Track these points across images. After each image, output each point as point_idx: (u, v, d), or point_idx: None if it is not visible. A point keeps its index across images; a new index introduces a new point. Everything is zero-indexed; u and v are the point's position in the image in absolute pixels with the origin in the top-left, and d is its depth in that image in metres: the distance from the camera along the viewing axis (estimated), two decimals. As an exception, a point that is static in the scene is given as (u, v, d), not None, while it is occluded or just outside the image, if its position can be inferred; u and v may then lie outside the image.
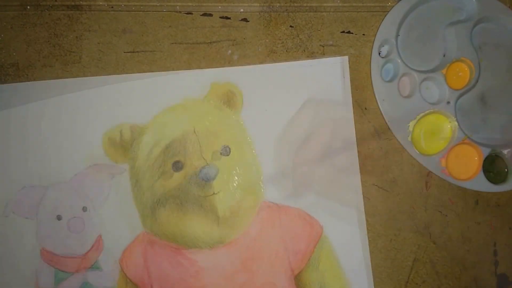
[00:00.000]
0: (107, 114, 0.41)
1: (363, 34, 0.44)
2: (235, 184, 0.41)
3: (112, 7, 0.43)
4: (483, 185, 0.41)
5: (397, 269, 0.42)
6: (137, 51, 0.43)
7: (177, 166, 0.40)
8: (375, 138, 0.43)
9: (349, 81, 0.42)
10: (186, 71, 0.42)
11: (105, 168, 0.41)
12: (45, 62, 0.42)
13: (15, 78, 0.42)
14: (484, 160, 0.42)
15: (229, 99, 0.42)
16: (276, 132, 0.41)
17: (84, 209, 0.40)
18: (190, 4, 0.43)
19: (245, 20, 0.43)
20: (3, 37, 0.42)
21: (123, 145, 0.41)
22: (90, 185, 0.41)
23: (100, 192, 0.41)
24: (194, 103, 0.42)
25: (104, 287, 0.40)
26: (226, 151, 0.41)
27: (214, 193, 0.40)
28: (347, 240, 0.41)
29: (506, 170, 0.42)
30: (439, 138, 0.42)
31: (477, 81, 0.42)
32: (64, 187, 0.41)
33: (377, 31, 0.42)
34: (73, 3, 0.43)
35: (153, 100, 0.41)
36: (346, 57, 0.43)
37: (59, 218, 0.40)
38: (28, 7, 0.42)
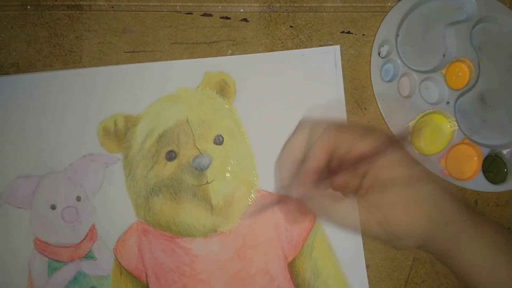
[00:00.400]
0: (102, 104, 0.41)
1: (363, 34, 0.43)
2: (228, 173, 0.41)
3: (112, 7, 0.42)
4: (483, 185, 0.41)
5: (396, 268, 0.42)
6: (137, 51, 0.42)
7: (171, 155, 0.40)
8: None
9: (341, 71, 0.42)
10: (179, 60, 0.42)
11: (99, 158, 0.41)
12: (46, 62, 0.42)
13: (15, 78, 0.42)
14: (484, 160, 0.41)
15: (222, 88, 0.42)
16: (269, 123, 0.41)
17: (78, 198, 0.40)
18: (190, 4, 0.43)
19: (245, 20, 0.43)
20: (3, 37, 0.42)
21: (117, 135, 0.41)
22: (84, 175, 0.40)
23: (94, 182, 0.40)
24: (188, 92, 0.41)
25: (98, 276, 0.40)
26: (219, 141, 0.41)
27: (207, 182, 0.40)
28: None
29: (505, 170, 0.42)
30: (439, 138, 0.42)
31: (476, 81, 0.41)
32: (58, 176, 0.40)
33: (377, 31, 0.41)
34: (73, 3, 0.42)
35: (147, 90, 0.41)
36: (338, 46, 0.42)
37: (53, 207, 0.40)
38: (29, 7, 0.42)
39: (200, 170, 0.40)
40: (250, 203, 0.41)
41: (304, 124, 0.33)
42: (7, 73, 0.42)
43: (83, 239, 0.40)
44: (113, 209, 0.40)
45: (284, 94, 0.42)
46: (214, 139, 0.41)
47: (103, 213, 0.40)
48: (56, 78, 0.41)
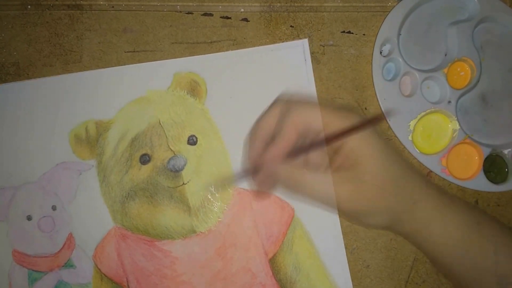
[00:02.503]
0: (72, 112, 0.39)
1: (364, 34, 0.41)
2: (204, 173, 0.39)
3: (112, 6, 0.40)
4: (484, 185, 0.39)
5: (397, 268, 0.40)
6: (138, 51, 0.40)
7: (145, 159, 0.39)
8: (375, 138, 0.40)
9: (311, 64, 0.40)
10: (148, 62, 0.40)
11: (73, 166, 0.39)
12: (46, 62, 0.40)
13: (15, 78, 0.40)
14: (485, 160, 0.39)
15: (193, 88, 0.40)
16: (243, 120, 0.39)
17: (54, 207, 0.38)
18: (191, 3, 0.41)
19: (245, 20, 0.41)
20: (4, 36, 0.40)
21: (89, 142, 0.39)
22: (58, 184, 0.39)
23: (68, 190, 0.39)
24: (158, 94, 0.40)
25: (79, 284, 0.38)
26: (193, 141, 0.39)
27: (183, 184, 0.39)
28: (319, 220, 0.39)
29: (506, 170, 0.40)
30: (440, 138, 0.40)
31: (478, 81, 0.39)
32: (33, 187, 0.38)
33: (379, 29, 0.39)
34: (73, 3, 0.40)
35: (117, 94, 0.39)
36: (306, 40, 0.40)
37: (29, 218, 0.38)
38: (29, 6, 0.40)
39: (175, 172, 0.38)
40: (227, 201, 0.39)
41: (279, 101, 0.32)
42: (8, 73, 0.40)
43: (61, 248, 0.38)
44: (90, 216, 0.38)
45: (255, 91, 0.40)
46: (188, 140, 0.39)
47: (80, 221, 0.38)
48: (23, 88, 0.39)
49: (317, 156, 0.32)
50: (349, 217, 0.33)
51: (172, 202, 0.38)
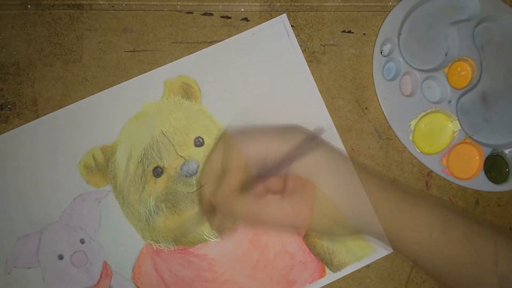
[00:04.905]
0: (75, 144, 0.39)
1: (364, 34, 0.40)
2: None
3: (112, 6, 0.40)
4: (484, 185, 0.39)
5: (397, 268, 0.39)
6: (138, 50, 0.40)
7: (157, 171, 0.39)
8: (375, 138, 0.40)
9: (295, 37, 0.40)
10: (135, 78, 0.39)
11: (90, 196, 0.38)
12: (46, 61, 0.39)
13: (15, 77, 0.39)
14: (485, 160, 0.39)
15: (186, 91, 0.39)
16: (243, 109, 0.39)
17: (82, 241, 0.38)
18: (191, 3, 0.40)
19: (245, 19, 0.40)
20: (3, 36, 0.39)
21: (99, 169, 0.39)
22: (80, 217, 0.38)
23: (92, 221, 0.38)
24: (154, 106, 0.39)
25: None
26: (199, 142, 0.39)
27: (201, 186, 0.38)
28: None
29: (507, 170, 0.39)
30: (441, 137, 0.39)
31: (478, 81, 0.39)
32: (56, 226, 0.38)
33: (379, 29, 0.39)
34: (73, 2, 0.40)
35: (115, 116, 0.39)
36: (284, 15, 0.40)
37: (61, 257, 0.38)
38: (29, 6, 0.40)
39: (190, 176, 0.38)
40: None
41: (222, 138, 0.32)
42: (8, 72, 0.39)
43: (100, 279, 0.38)
44: (119, 240, 0.38)
45: (247, 78, 0.40)
46: (195, 142, 0.39)
47: (111, 247, 0.38)
48: (23, 133, 0.39)
49: (274, 182, 0.31)
50: (320, 235, 0.32)
51: (195, 206, 0.38)
